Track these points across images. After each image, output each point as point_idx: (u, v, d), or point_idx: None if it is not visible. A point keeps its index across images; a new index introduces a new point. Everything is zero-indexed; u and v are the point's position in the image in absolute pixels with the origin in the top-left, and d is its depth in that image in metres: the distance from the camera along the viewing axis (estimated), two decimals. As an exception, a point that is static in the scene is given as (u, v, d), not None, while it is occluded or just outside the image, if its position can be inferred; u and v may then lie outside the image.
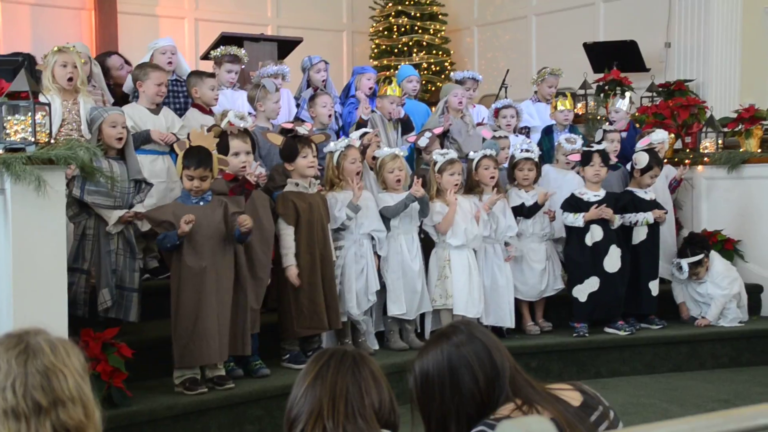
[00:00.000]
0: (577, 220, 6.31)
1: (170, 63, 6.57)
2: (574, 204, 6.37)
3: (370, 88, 7.27)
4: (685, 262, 6.72)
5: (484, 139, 6.77)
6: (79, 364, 1.85)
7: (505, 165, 6.71)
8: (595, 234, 6.34)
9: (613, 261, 6.35)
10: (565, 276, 6.63)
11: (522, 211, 6.35)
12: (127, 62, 7.24)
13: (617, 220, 6.37)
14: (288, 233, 5.29)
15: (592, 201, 6.34)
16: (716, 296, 6.71)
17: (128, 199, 4.92)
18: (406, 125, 7.04)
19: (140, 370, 4.72)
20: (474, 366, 2.10)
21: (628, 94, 7.98)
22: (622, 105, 7.61)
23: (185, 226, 4.57)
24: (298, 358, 5.32)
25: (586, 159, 6.43)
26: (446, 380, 2.11)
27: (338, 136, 6.56)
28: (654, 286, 6.58)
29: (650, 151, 6.69)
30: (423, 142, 6.52)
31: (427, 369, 2.13)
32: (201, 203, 4.81)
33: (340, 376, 2.00)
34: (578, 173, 6.65)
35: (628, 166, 6.88)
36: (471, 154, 6.29)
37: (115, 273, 4.91)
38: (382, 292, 5.85)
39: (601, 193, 6.40)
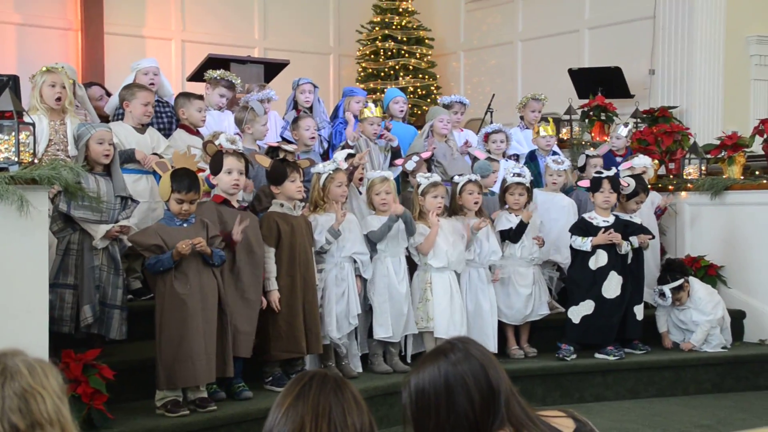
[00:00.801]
0: (585, 244, 6.34)
1: (152, 84, 6.56)
2: (583, 228, 6.40)
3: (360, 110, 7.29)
4: (667, 288, 6.74)
5: (475, 159, 6.80)
6: (58, 385, 1.82)
7: (494, 189, 6.74)
8: (600, 259, 6.36)
9: (612, 287, 6.36)
10: (551, 302, 6.64)
11: (509, 235, 6.36)
12: (108, 93, 7.26)
13: (625, 246, 6.39)
14: (269, 256, 5.28)
15: (601, 226, 6.37)
16: (701, 322, 6.72)
17: (114, 215, 4.91)
18: (395, 153, 7.04)
19: (121, 392, 4.67)
20: (470, 385, 2.07)
21: (631, 121, 8.06)
22: (623, 131, 7.71)
23: (185, 249, 4.57)
24: (280, 380, 5.29)
25: (596, 185, 6.46)
26: (442, 398, 2.08)
27: (323, 159, 6.56)
28: (639, 311, 6.58)
29: (637, 177, 6.74)
30: (410, 165, 6.54)
31: (423, 385, 2.10)
32: (185, 225, 4.79)
33: (322, 396, 1.97)
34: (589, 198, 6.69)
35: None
36: (456, 178, 6.30)
37: (99, 289, 4.89)
38: (367, 314, 5.84)
39: (611, 219, 6.43)
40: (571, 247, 6.48)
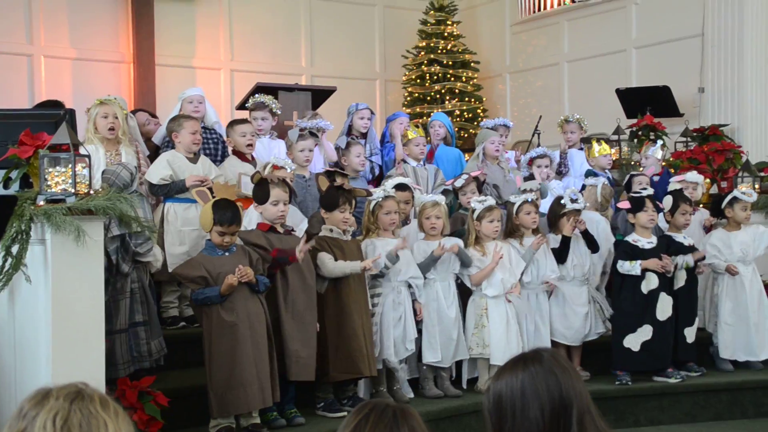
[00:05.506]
0: (634, 268, 6.20)
1: (197, 111, 6.68)
2: (629, 252, 6.26)
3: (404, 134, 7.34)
4: None
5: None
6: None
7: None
8: (651, 282, 6.23)
9: (664, 308, 6.25)
10: (607, 323, 6.52)
11: (557, 255, 6.29)
12: (152, 115, 7.40)
13: (680, 263, 6.31)
14: (329, 257, 5.28)
15: (647, 248, 6.26)
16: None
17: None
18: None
19: (176, 419, 4.73)
20: (543, 397, 2.11)
21: (660, 142, 7.96)
22: (654, 152, 7.63)
23: (233, 280, 4.63)
24: (332, 406, 5.30)
25: (638, 205, 6.34)
26: (517, 405, 2.13)
27: (375, 185, 6.65)
28: (689, 333, 6.44)
29: (672, 192, 6.63)
30: (459, 182, 6.55)
31: (500, 392, 2.16)
32: (227, 254, 4.85)
33: (378, 429, 1.97)
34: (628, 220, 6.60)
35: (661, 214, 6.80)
36: (512, 198, 6.28)
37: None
38: (418, 339, 5.83)
39: (654, 240, 6.34)
40: (617, 272, 6.34)
